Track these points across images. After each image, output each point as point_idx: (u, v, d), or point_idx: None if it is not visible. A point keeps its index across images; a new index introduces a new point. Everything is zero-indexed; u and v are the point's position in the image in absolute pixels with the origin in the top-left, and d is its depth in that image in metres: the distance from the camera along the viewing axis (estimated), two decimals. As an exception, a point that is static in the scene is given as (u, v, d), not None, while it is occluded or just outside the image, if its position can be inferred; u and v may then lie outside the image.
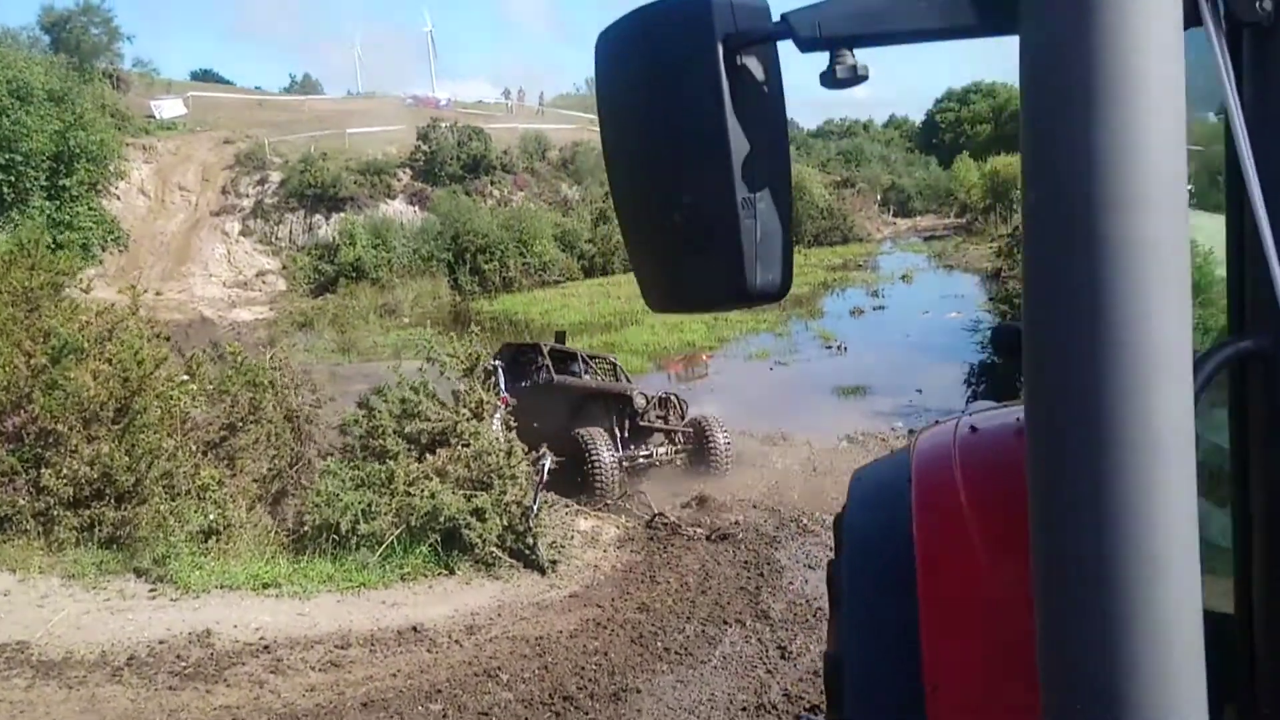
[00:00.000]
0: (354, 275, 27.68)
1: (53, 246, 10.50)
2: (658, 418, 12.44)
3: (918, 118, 68.63)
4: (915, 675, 1.90)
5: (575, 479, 10.89)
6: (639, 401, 12.24)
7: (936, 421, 2.83)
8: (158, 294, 23.84)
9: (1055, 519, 0.92)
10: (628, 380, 13.49)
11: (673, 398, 12.91)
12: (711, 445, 12.05)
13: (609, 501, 10.83)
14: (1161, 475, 0.87)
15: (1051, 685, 0.96)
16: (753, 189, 1.07)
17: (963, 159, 47.94)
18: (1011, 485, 2.41)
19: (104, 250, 24.62)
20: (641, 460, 11.91)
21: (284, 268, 29.40)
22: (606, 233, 31.83)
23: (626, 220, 1.23)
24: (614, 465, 11.10)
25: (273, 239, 30.63)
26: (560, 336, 14.87)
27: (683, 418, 12.63)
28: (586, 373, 13.21)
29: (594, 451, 11.03)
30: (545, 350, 12.68)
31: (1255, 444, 1.16)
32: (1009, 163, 39.02)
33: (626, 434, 12.22)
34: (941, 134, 61.00)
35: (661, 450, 12.15)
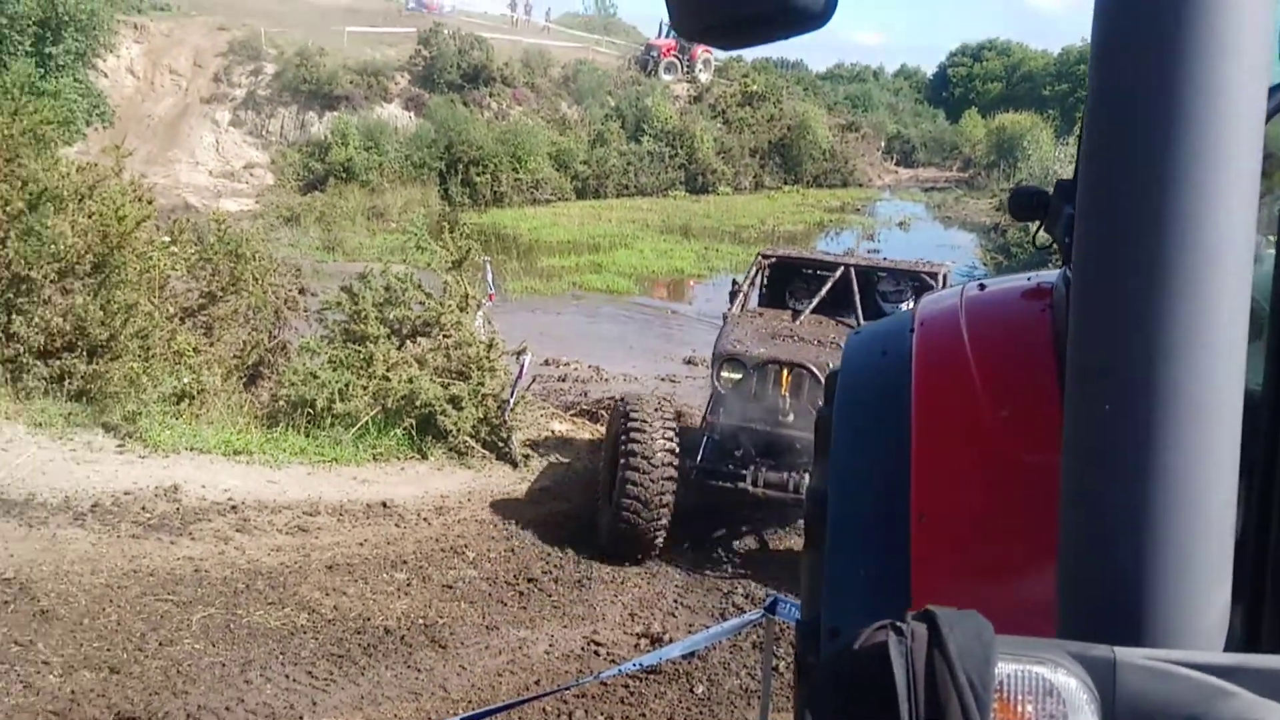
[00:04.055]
0: (344, 176, 27.12)
1: (37, 110, 10.11)
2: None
3: (929, 70, 67.89)
4: (898, 508, 1.85)
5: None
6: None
7: None
8: (143, 176, 23.23)
9: (1094, 402, 0.89)
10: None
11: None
12: None
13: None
14: (1213, 361, 0.83)
15: (1071, 567, 0.92)
16: None
17: (970, 114, 47.42)
18: (1015, 333, 2.35)
19: (88, 125, 23.96)
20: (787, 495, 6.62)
21: (273, 162, 28.79)
22: (603, 155, 31.33)
23: None
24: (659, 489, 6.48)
25: (263, 132, 29.93)
26: None
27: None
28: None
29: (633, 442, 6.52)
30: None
31: None
32: (1016, 120, 38.64)
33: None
34: (952, 88, 60.20)
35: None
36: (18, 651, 4.74)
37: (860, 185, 38.05)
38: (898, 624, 0.78)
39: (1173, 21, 0.83)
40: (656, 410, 6.83)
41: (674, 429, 6.76)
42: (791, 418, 6.72)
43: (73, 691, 4.52)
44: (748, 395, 6.90)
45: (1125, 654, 0.75)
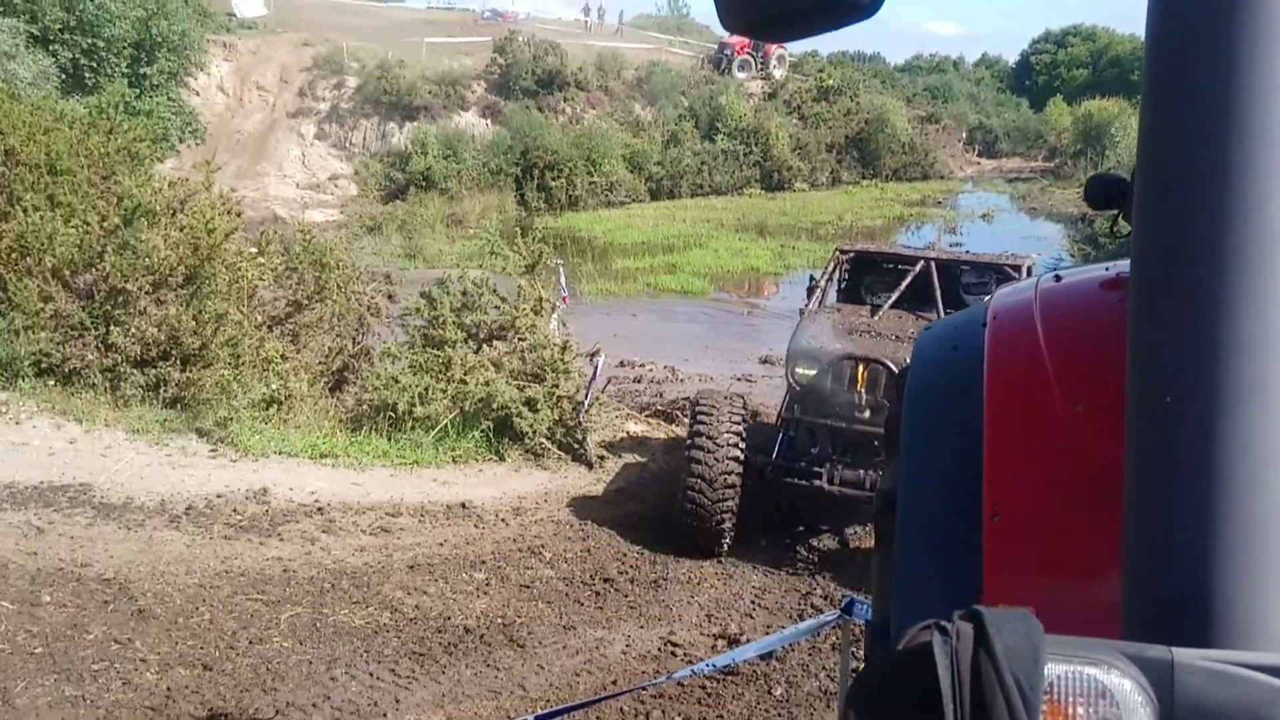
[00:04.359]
0: (424, 184, 27.70)
1: (130, 129, 10.63)
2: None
3: (1011, 58, 66.22)
4: (968, 506, 1.80)
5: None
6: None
7: None
8: (233, 190, 24.08)
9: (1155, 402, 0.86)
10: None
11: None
12: None
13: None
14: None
15: (1137, 567, 0.89)
16: None
17: (1055, 102, 46.03)
18: (1091, 324, 2.27)
19: (181, 141, 24.99)
20: (863, 493, 6.52)
21: (356, 173, 29.56)
22: (677, 155, 31.34)
23: None
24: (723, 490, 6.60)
25: (346, 144, 30.75)
26: None
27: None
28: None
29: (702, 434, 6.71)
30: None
31: None
32: (1103, 106, 37.39)
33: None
34: (1035, 76, 58.60)
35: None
36: (117, 649, 4.95)
37: (941, 177, 37.32)
38: (943, 623, 0.75)
39: (1228, 8, 0.79)
40: (725, 399, 7.08)
41: (741, 415, 6.92)
42: (868, 414, 6.61)
43: (169, 688, 4.69)
44: (823, 392, 6.85)
45: (1184, 655, 0.72)
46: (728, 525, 6.69)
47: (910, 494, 1.99)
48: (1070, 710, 0.71)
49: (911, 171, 36.45)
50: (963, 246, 20.60)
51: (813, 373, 6.89)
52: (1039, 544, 1.76)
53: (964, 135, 42.87)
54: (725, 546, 6.83)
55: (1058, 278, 2.44)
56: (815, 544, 7.20)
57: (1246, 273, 0.80)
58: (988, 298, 2.39)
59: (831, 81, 37.36)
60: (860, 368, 6.74)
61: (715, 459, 6.60)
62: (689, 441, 6.84)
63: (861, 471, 6.60)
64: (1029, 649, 0.71)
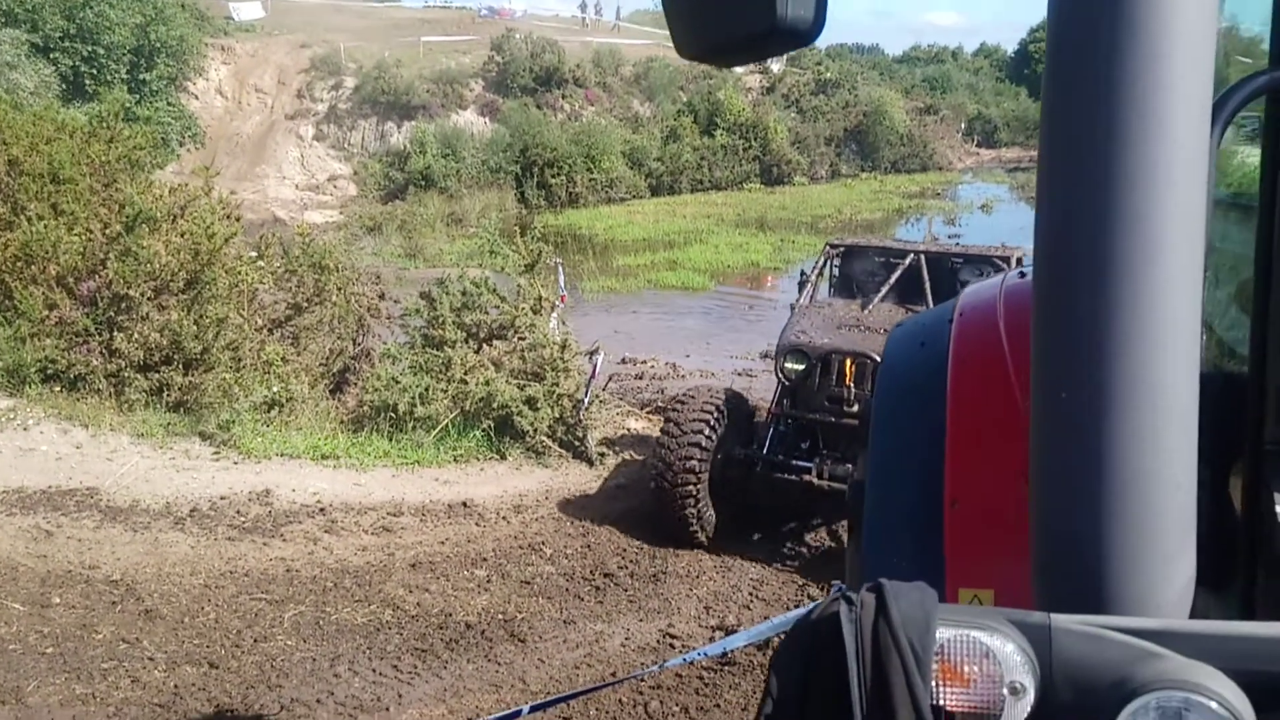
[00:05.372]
0: (423, 184, 27.82)
1: (130, 136, 10.71)
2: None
3: (1010, 47, 66.18)
4: (931, 496, 1.89)
5: None
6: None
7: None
8: (232, 193, 24.12)
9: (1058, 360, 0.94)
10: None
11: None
12: None
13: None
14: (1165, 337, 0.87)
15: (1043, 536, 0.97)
16: None
17: (1053, 90, 45.93)
18: None
19: (181, 145, 25.16)
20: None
21: (355, 173, 29.72)
22: (676, 151, 31.42)
23: None
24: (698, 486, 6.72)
25: (345, 144, 30.90)
26: None
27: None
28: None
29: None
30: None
31: None
32: (1101, 94, 37.36)
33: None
34: (1035, 64, 58.57)
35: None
36: (125, 648, 5.05)
37: (940, 169, 37.35)
38: (849, 594, 0.85)
39: (1120, 35, 0.87)
40: (706, 392, 7.23)
41: (715, 406, 6.96)
42: (856, 408, 6.69)
43: (176, 686, 4.80)
44: (812, 387, 6.95)
45: (1060, 620, 0.81)
46: (690, 511, 6.74)
47: (878, 486, 2.08)
48: (960, 670, 0.81)
49: (910, 163, 36.51)
50: (960, 238, 20.64)
51: (801, 368, 7.00)
52: (996, 531, 1.85)
53: (963, 126, 42.90)
54: (699, 534, 6.87)
55: (1023, 274, 2.53)
56: (809, 538, 7.28)
57: (1127, 279, 0.88)
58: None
59: (829, 74, 37.44)
60: (848, 362, 6.81)
61: (677, 444, 6.70)
62: (660, 429, 7.06)
63: (850, 465, 6.68)
64: (922, 615, 0.81)
